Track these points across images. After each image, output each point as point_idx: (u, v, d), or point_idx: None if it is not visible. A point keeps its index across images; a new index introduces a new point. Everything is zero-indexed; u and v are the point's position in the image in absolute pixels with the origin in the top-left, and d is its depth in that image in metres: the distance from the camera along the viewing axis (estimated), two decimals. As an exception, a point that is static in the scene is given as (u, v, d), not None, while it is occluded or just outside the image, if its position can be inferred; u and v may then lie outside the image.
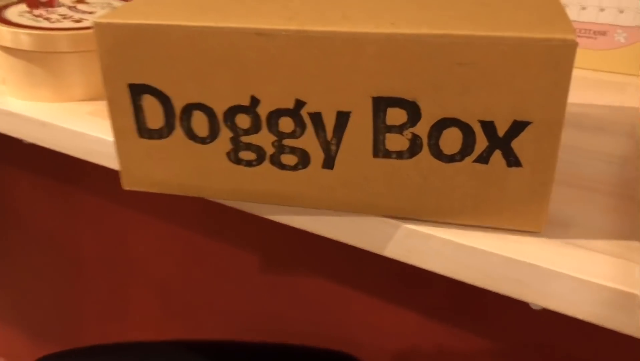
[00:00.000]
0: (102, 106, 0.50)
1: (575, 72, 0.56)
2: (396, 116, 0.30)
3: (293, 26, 0.30)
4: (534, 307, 0.43)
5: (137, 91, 0.33)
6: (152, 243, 0.96)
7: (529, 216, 0.31)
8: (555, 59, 0.27)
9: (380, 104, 0.30)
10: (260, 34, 0.30)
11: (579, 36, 0.55)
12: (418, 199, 0.32)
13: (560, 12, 0.30)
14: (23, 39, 0.49)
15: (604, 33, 0.54)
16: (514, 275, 0.31)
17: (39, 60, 0.51)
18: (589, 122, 0.46)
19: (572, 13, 0.55)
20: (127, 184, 0.36)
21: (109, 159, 0.45)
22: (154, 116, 0.34)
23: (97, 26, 0.32)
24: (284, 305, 0.84)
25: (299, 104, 0.31)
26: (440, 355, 0.71)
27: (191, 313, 0.97)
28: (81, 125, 0.47)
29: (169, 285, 0.98)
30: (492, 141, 0.30)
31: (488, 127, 0.29)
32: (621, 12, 0.53)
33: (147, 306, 1.04)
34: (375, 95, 0.30)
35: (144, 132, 0.34)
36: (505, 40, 0.27)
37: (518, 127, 0.29)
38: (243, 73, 0.31)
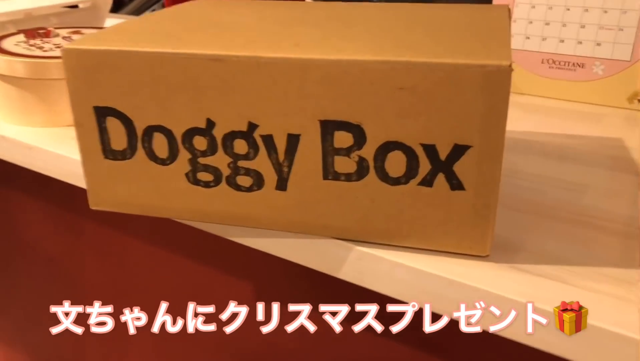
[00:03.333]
0: (88, 131, 0.52)
1: (554, 103, 0.56)
2: (343, 139, 0.31)
3: (245, 52, 0.31)
4: None
5: (102, 113, 0.35)
6: (152, 268, 0.97)
7: (475, 240, 0.32)
8: (491, 84, 0.28)
9: (328, 127, 0.31)
10: (213, 59, 0.31)
11: (557, 68, 0.56)
12: (367, 221, 0.33)
13: (502, 40, 0.31)
14: (16, 67, 0.52)
15: (582, 65, 0.55)
16: (461, 298, 0.31)
17: (31, 87, 0.53)
18: (559, 151, 0.46)
19: (551, 46, 0.56)
20: (94, 204, 0.38)
21: (88, 181, 0.46)
22: (118, 137, 0.35)
23: (65, 52, 0.34)
24: (280, 336, 0.84)
25: (252, 126, 0.32)
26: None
27: (190, 339, 0.97)
28: (65, 149, 0.48)
29: (170, 309, 0.98)
30: (435, 165, 0.30)
31: (430, 150, 0.30)
32: (598, 44, 0.54)
33: (146, 332, 1.04)
34: (322, 118, 0.31)
35: (109, 153, 0.36)
36: (442, 66, 0.28)
37: (459, 151, 0.30)
38: (199, 97, 0.33)
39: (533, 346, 0.30)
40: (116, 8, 1.42)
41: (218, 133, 0.33)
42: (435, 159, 0.30)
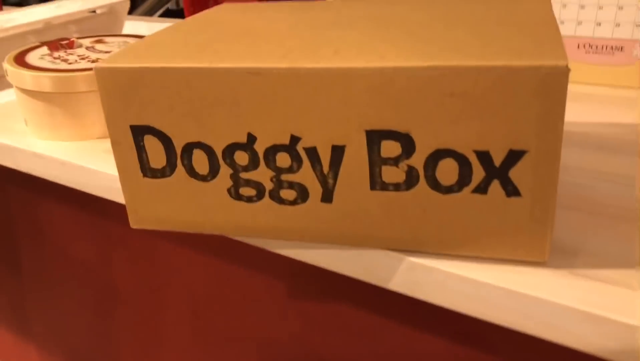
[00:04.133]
0: (118, 143, 0.51)
1: (593, 90, 0.54)
2: (391, 148, 0.30)
3: (285, 64, 0.30)
4: None
5: (139, 132, 0.34)
6: (183, 271, 0.97)
7: (532, 246, 0.30)
8: (547, 86, 0.27)
9: (374, 137, 0.30)
10: (252, 73, 0.30)
11: (595, 52, 0.54)
12: (419, 230, 0.32)
13: (553, 35, 0.30)
14: (43, 82, 0.51)
15: (621, 48, 0.53)
16: (517, 307, 0.30)
17: (59, 101, 0.52)
18: (601, 141, 0.45)
19: (587, 30, 0.54)
20: (135, 223, 0.37)
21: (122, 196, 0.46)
22: (156, 155, 0.34)
23: (97, 70, 0.33)
24: (313, 332, 0.84)
25: (294, 139, 0.31)
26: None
27: (223, 340, 0.97)
28: (98, 163, 0.48)
29: (201, 312, 0.99)
30: (489, 171, 0.29)
31: (484, 157, 0.29)
32: (638, 26, 0.52)
33: (180, 334, 1.05)
34: (368, 128, 0.30)
35: (147, 171, 0.35)
36: (495, 70, 0.27)
37: (514, 156, 0.28)
38: (239, 111, 0.32)
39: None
40: (129, 9, 1.41)
41: (259, 147, 0.32)
42: (490, 166, 0.29)
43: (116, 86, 0.33)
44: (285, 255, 0.36)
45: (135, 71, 0.32)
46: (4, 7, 1.15)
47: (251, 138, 0.32)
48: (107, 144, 0.52)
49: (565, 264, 0.31)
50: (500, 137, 0.28)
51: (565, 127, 0.48)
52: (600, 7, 0.53)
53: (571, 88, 0.55)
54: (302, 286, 0.77)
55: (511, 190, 0.29)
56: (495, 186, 0.29)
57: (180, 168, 0.34)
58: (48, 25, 0.77)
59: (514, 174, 0.29)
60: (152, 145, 0.34)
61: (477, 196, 0.30)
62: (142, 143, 0.34)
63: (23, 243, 1.26)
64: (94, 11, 0.85)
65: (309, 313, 0.80)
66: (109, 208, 1.03)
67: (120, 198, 0.47)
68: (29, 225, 1.20)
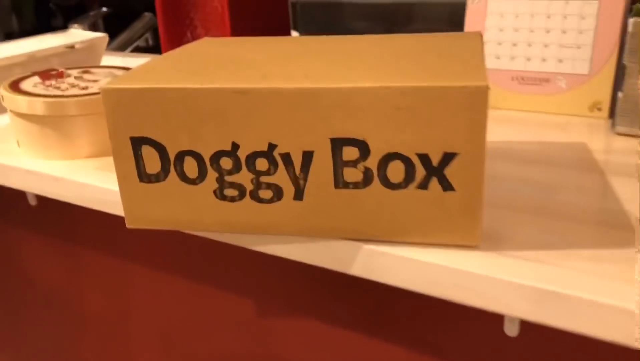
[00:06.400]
0: (107, 161, 0.57)
1: (525, 115, 0.63)
2: (350, 153, 0.37)
3: (264, 85, 0.37)
4: (508, 333, 0.48)
5: (138, 142, 0.40)
6: (152, 294, 1.01)
7: (466, 232, 0.37)
8: (472, 102, 0.34)
9: (337, 144, 0.37)
10: (238, 92, 0.37)
11: (526, 83, 0.63)
12: (374, 222, 0.38)
13: (478, 63, 0.37)
14: (37, 106, 0.57)
15: (547, 80, 0.62)
16: (456, 282, 0.37)
17: (51, 123, 0.58)
18: (532, 156, 0.53)
19: (519, 64, 0.63)
20: (130, 223, 0.43)
21: (115, 205, 0.51)
22: (152, 163, 0.40)
23: (104, 91, 0.39)
24: (283, 348, 0.89)
25: (272, 147, 0.38)
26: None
27: (190, 352, 1.01)
28: (90, 178, 0.53)
29: (171, 334, 1.02)
30: (429, 170, 0.36)
31: (424, 159, 0.36)
32: (560, 61, 0.61)
33: (150, 357, 1.08)
34: (332, 137, 0.37)
35: (144, 177, 0.41)
36: (432, 89, 0.34)
37: (448, 158, 0.36)
38: (225, 124, 0.38)
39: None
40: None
41: (242, 154, 0.39)
42: (429, 166, 0.36)
43: (120, 104, 0.39)
44: (262, 251, 0.42)
45: (137, 91, 0.38)
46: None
47: (235, 146, 0.39)
48: (95, 162, 0.57)
49: (494, 248, 0.38)
50: (437, 143, 0.35)
51: (503, 145, 0.56)
52: (529, 45, 0.62)
53: (505, 114, 0.64)
54: (269, 305, 0.83)
55: (447, 185, 0.36)
56: (434, 182, 0.36)
57: (172, 173, 0.40)
58: (31, 58, 0.82)
59: (449, 172, 0.36)
60: (149, 154, 0.40)
61: (420, 191, 0.37)
62: (140, 152, 0.40)
63: (-6, 268, 1.27)
64: (73, 46, 0.91)
65: (275, 330, 0.85)
66: (78, 234, 1.06)
67: (110, 209, 0.52)
68: None
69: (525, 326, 0.48)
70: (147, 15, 1.61)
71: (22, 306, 1.23)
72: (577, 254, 0.37)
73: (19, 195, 1.12)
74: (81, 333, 1.17)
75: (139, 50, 1.58)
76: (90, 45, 0.90)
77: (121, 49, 1.52)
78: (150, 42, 1.63)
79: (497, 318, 0.50)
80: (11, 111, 0.59)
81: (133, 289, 1.04)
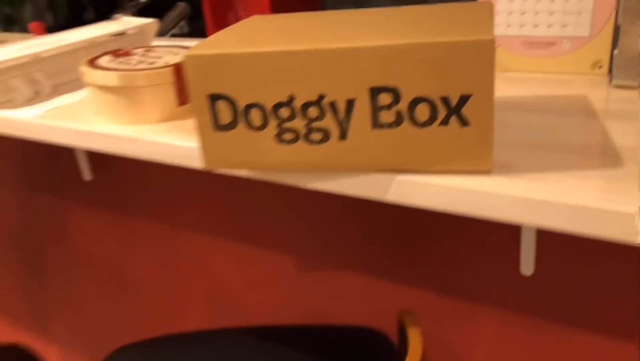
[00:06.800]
0: (173, 125, 0.67)
1: (534, 75, 0.71)
2: (385, 99, 0.46)
3: (314, 46, 0.46)
4: (525, 273, 0.58)
5: (214, 98, 0.50)
6: (200, 259, 1.12)
7: (480, 160, 0.46)
8: (481, 52, 0.43)
9: (374, 92, 0.46)
10: (295, 53, 0.46)
11: (534, 47, 0.71)
12: (405, 155, 0.48)
13: (487, 24, 0.46)
14: (112, 78, 0.67)
15: (553, 43, 0.70)
16: (474, 200, 0.46)
17: (124, 93, 0.68)
18: (540, 107, 0.61)
19: (527, 30, 0.71)
20: (207, 165, 0.53)
21: (185, 159, 0.61)
22: (225, 114, 0.50)
23: (188, 57, 0.49)
24: (315, 292, 0.99)
25: (321, 97, 0.47)
26: (444, 322, 0.84)
27: (236, 308, 1.12)
28: (160, 138, 0.63)
29: (217, 294, 1.13)
30: (449, 110, 0.45)
31: (445, 100, 0.45)
32: (564, 26, 0.69)
33: (199, 317, 1.19)
34: (370, 86, 0.46)
35: (218, 127, 0.51)
36: (450, 44, 0.43)
37: (464, 99, 0.45)
38: (283, 79, 0.48)
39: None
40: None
41: (297, 104, 0.48)
42: (449, 106, 0.45)
43: (200, 67, 0.49)
44: (313, 188, 0.52)
45: (214, 56, 0.48)
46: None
47: (291, 98, 0.48)
48: (163, 126, 0.67)
49: (504, 173, 0.47)
50: (455, 87, 0.44)
51: (514, 100, 0.64)
52: (537, 13, 0.70)
53: (516, 75, 0.72)
54: (302, 258, 0.93)
55: (464, 121, 0.45)
56: (453, 119, 0.45)
57: (241, 123, 0.50)
58: (92, 43, 0.93)
59: (465, 110, 0.45)
60: (222, 107, 0.50)
61: (442, 127, 0.46)
62: (215, 106, 0.50)
63: (45, 244, 1.41)
64: (125, 32, 1.01)
65: (308, 277, 0.96)
66: (130, 207, 1.18)
67: (181, 161, 0.62)
68: (53, 227, 1.34)
69: (540, 265, 0.57)
70: (181, 4, 1.71)
71: (78, 279, 1.36)
72: (575, 175, 0.46)
73: (73, 172, 1.23)
74: (134, 301, 1.28)
75: (174, 36, 1.69)
76: (140, 30, 1.01)
77: (158, 36, 1.63)
78: (185, 29, 1.74)
79: (514, 258, 0.58)
80: (90, 83, 0.69)
81: (183, 256, 1.15)
